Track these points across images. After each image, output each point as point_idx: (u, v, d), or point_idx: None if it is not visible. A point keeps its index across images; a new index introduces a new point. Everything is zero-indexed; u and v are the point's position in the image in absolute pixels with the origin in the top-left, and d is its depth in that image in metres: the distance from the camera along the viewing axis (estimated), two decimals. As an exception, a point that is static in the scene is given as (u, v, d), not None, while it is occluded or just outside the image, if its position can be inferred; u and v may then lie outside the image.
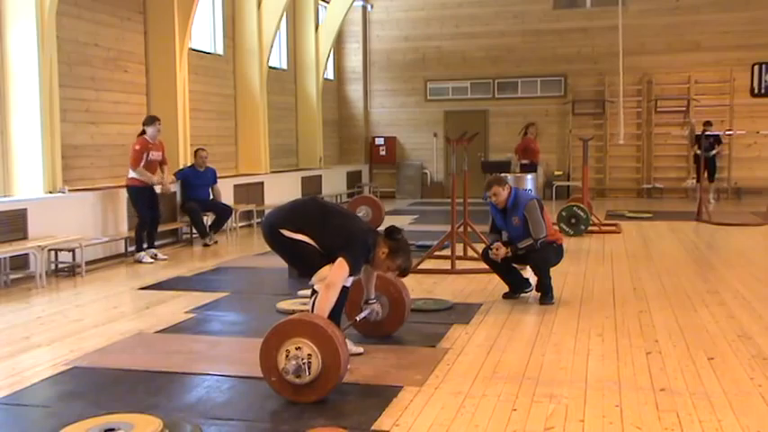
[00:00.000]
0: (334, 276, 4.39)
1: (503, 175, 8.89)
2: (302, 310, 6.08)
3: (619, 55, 14.01)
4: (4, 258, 7.41)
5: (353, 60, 19.34)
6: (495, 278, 6.87)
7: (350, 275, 4.53)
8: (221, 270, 8.50)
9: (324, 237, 4.57)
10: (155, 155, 9.02)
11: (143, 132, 8.96)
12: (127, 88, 10.56)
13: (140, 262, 8.89)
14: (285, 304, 6.26)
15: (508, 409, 3.86)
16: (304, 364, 3.91)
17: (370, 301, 5.09)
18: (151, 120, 9.02)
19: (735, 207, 15.15)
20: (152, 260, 8.97)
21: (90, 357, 4.94)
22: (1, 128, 8.37)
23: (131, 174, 8.91)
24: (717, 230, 11.48)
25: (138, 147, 8.89)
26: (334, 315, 4.66)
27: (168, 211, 10.45)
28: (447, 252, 8.24)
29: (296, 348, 3.94)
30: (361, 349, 4.88)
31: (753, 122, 16.69)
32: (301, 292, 6.78)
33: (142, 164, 8.87)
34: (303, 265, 4.76)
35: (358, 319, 5.00)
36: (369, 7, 19.11)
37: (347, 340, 4.84)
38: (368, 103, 19.42)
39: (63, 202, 8.51)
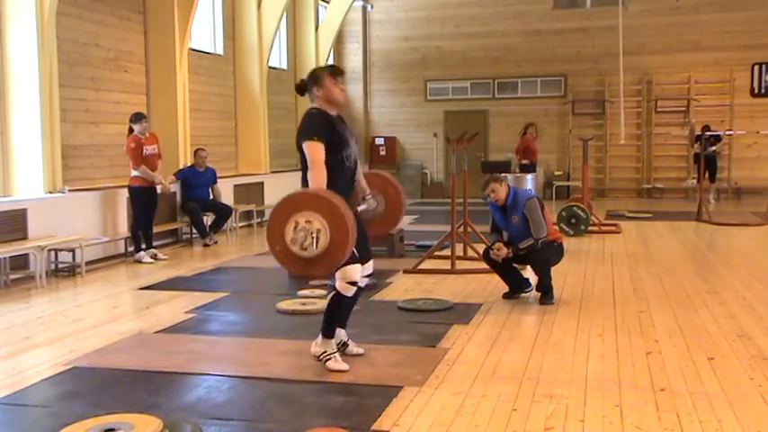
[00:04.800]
0: (309, 155, 4.31)
1: (502, 175, 8.88)
2: (303, 311, 6.11)
3: (619, 55, 14.01)
4: (4, 258, 7.41)
5: (353, 60, 19.32)
6: (495, 278, 6.86)
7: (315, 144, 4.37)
8: (221, 270, 8.50)
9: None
10: (150, 148, 8.98)
11: (131, 131, 8.93)
12: (127, 88, 10.56)
13: (140, 262, 8.88)
14: (285, 304, 6.26)
15: (508, 409, 3.86)
16: (312, 237, 3.90)
17: (366, 197, 5.01)
18: (137, 117, 8.94)
19: (735, 207, 15.15)
20: (152, 260, 8.97)
21: (90, 357, 4.94)
22: (1, 128, 8.37)
23: (134, 173, 8.89)
24: (717, 230, 11.48)
25: (132, 145, 8.82)
26: (344, 314, 4.65)
27: (168, 211, 10.45)
28: (447, 252, 8.24)
29: (306, 222, 3.95)
30: (361, 350, 4.88)
31: (753, 122, 16.71)
32: (301, 292, 6.80)
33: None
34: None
35: (358, 209, 4.97)
36: (369, 7, 19.11)
37: (348, 340, 4.85)
38: (368, 103, 19.42)
39: (63, 202, 8.51)
